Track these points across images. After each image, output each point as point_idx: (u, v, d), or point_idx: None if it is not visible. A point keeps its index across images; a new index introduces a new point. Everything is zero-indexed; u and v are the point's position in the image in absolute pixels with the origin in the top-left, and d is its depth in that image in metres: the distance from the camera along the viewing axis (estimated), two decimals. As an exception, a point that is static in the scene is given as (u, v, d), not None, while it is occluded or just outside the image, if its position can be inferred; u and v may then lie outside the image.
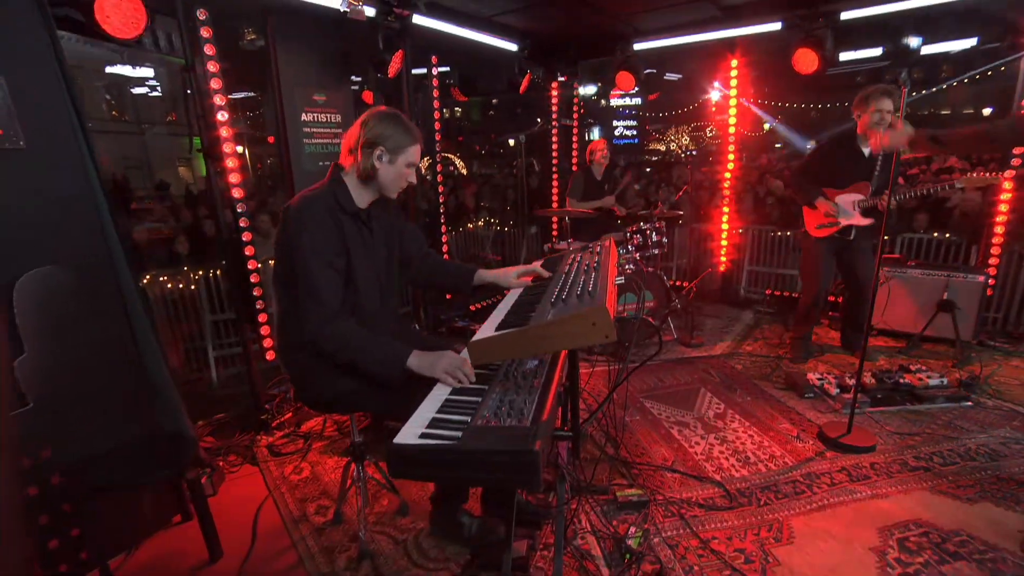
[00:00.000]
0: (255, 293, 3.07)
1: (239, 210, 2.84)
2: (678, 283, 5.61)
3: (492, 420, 1.27)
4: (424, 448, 1.24)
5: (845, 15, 3.88)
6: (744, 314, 4.93)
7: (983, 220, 4.13)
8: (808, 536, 2.07)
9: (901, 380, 3.19)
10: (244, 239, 2.93)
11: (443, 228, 4.35)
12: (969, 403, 3.06)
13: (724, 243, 5.16)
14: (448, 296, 4.36)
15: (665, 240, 4.08)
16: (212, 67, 2.68)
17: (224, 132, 2.72)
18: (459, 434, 1.24)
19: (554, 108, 5.37)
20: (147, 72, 12.99)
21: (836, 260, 3.59)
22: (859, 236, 3.46)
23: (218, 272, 4.00)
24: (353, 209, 1.77)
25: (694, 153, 18.41)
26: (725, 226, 5.11)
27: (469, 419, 1.31)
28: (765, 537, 2.07)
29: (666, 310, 4.08)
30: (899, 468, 2.48)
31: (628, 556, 1.94)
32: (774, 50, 4.28)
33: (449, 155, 17.19)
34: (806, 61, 4.02)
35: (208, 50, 2.68)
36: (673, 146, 22.18)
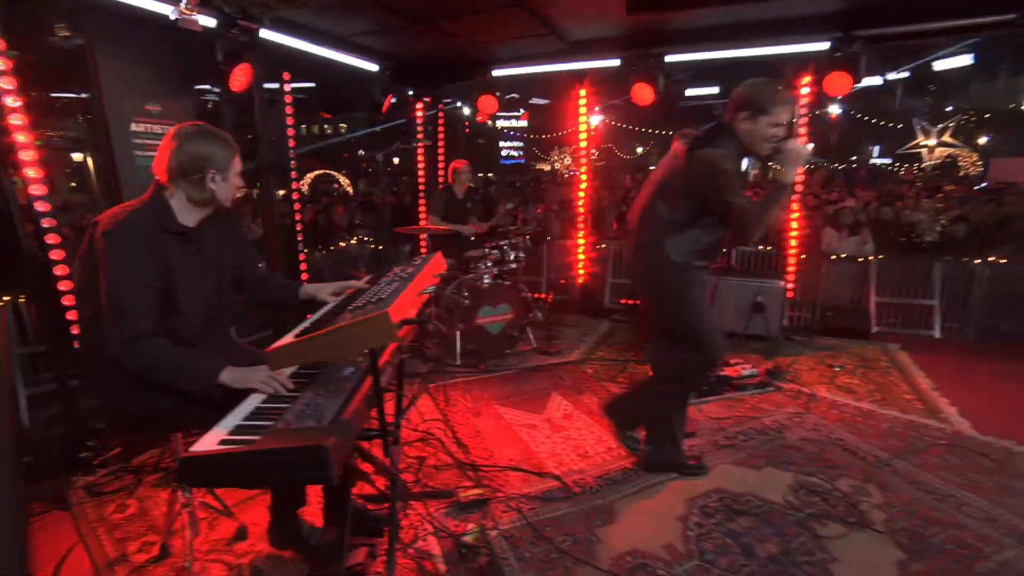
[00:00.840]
0: (70, 317, 2.76)
1: (44, 225, 2.54)
2: (543, 296, 5.92)
3: (293, 423, 1.30)
4: (220, 454, 1.24)
5: (668, 58, 4.50)
6: (601, 324, 5.32)
7: (783, 235, 4.93)
8: (629, 515, 2.30)
9: (722, 372, 3.67)
10: (53, 258, 2.62)
11: (299, 246, 4.22)
12: (771, 388, 3.61)
13: (581, 257, 5.57)
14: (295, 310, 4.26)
15: (522, 255, 4.33)
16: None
17: (21, 137, 2.43)
18: (258, 438, 1.26)
19: (419, 128, 5.49)
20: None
21: None
22: None
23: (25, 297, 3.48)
24: (179, 229, 1.70)
25: (576, 173, 19.53)
26: (581, 241, 5.53)
27: (272, 423, 1.32)
28: (593, 520, 2.27)
29: (524, 321, 4.31)
30: (711, 447, 2.85)
31: (464, 551, 2.03)
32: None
33: (333, 172, 16.64)
34: (643, 94, 4.60)
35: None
36: (558, 166, 23.40)
